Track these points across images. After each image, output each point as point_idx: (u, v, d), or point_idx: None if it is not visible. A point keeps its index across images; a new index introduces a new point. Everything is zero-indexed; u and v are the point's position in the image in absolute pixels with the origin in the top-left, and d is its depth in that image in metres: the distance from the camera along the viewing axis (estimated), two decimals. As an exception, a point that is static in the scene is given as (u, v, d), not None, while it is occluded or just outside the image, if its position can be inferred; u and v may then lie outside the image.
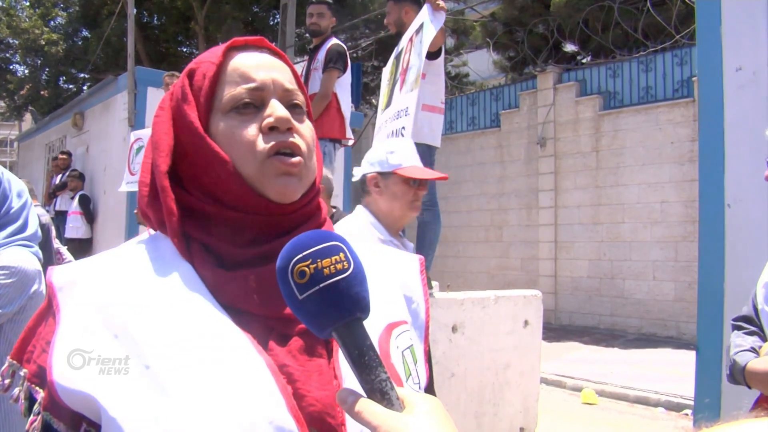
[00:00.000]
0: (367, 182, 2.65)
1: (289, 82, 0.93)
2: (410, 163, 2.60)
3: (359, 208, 2.69)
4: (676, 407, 6.67)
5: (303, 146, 0.90)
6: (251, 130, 0.88)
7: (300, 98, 0.94)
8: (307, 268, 0.67)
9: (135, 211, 7.44)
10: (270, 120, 0.87)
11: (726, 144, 3.35)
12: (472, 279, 12.95)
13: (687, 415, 6.30)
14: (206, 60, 0.92)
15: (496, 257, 13.10)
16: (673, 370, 7.68)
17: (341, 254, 0.69)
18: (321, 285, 0.67)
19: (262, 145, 0.87)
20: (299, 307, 0.68)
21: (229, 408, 0.73)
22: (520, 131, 12.79)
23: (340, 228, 2.51)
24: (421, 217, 4.60)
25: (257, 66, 0.91)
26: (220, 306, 0.82)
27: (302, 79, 1.06)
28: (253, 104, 0.89)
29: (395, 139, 2.70)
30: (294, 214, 0.91)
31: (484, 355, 4.28)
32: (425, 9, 4.22)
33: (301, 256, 0.68)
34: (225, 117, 0.89)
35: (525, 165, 12.63)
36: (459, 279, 12.65)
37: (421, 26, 4.20)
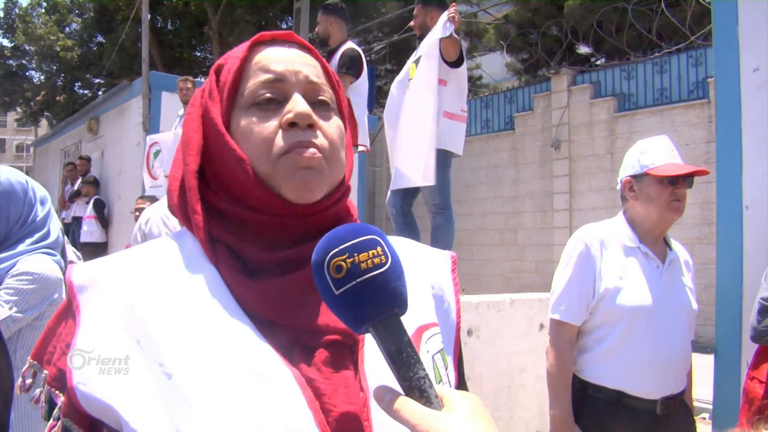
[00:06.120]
0: (622, 187, 2.58)
1: (316, 76, 0.88)
2: (664, 161, 2.45)
3: (618, 214, 2.62)
4: (694, 411, 6.59)
5: (325, 144, 0.84)
6: (270, 127, 0.83)
7: (328, 93, 0.89)
8: (343, 263, 0.65)
9: None
10: (289, 116, 0.82)
11: (744, 145, 3.32)
12: (487, 282, 12.89)
13: (704, 419, 6.23)
14: (233, 55, 0.89)
15: (510, 260, 13.03)
16: (690, 374, 7.58)
17: (378, 248, 0.67)
18: (358, 280, 0.65)
19: (279, 142, 0.82)
20: (335, 302, 0.66)
21: (255, 422, 0.70)
22: (534, 134, 12.73)
23: (597, 230, 2.52)
24: (434, 221, 4.60)
25: (280, 59, 0.87)
26: (245, 314, 0.78)
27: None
28: (275, 99, 0.84)
29: (648, 139, 2.59)
30: (317, 216, 0.85)
31: (499, 359, 4.26)
32: (441, 17, 4.35)
33: (337, 250, 0.65)
34: (246, 113, 0.85)
35: (539, 167, 12.56)
36: (474, 282, 12.59)
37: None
